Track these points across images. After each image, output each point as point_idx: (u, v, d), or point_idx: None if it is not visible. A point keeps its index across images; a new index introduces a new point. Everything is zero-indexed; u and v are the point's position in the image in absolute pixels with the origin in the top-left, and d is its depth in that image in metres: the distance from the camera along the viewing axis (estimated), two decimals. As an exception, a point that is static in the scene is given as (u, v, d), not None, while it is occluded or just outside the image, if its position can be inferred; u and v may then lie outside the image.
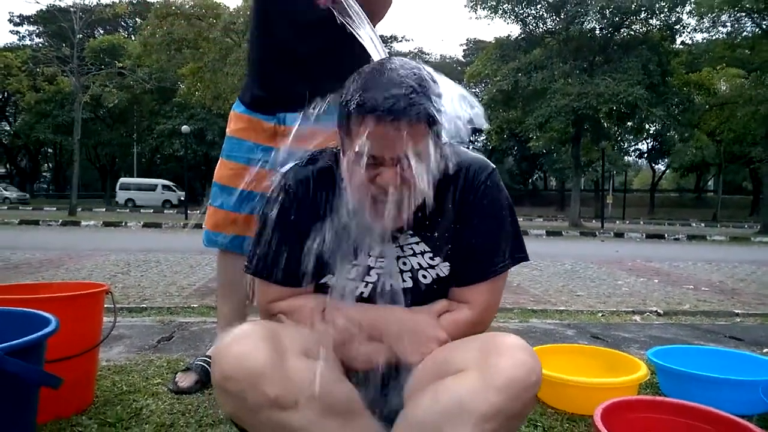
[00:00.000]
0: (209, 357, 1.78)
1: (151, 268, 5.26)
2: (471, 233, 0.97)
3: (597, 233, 15.67)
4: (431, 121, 0.84)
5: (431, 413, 0.82)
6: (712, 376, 1.60)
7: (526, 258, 1.03)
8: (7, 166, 39.15)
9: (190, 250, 6.90)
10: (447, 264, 0.99)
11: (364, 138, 0.83)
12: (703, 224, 24.77)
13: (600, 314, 3.46)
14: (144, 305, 3.29)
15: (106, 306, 1.63)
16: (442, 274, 1.00)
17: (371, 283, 0.99)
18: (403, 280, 0.99)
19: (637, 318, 3.39)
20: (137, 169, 30.64)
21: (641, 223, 25.27)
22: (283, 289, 1.00)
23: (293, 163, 1.01)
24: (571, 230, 16.41)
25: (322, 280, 1.00)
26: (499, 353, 0.82)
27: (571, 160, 21.20)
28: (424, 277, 1.00)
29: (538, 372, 0.82)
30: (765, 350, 2.52)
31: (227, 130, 1.69)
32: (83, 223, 13.77)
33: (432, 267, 0.99)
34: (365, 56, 1.12)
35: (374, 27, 1.31)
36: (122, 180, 29.53)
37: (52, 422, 1.39)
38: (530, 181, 45.06)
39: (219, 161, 1.69)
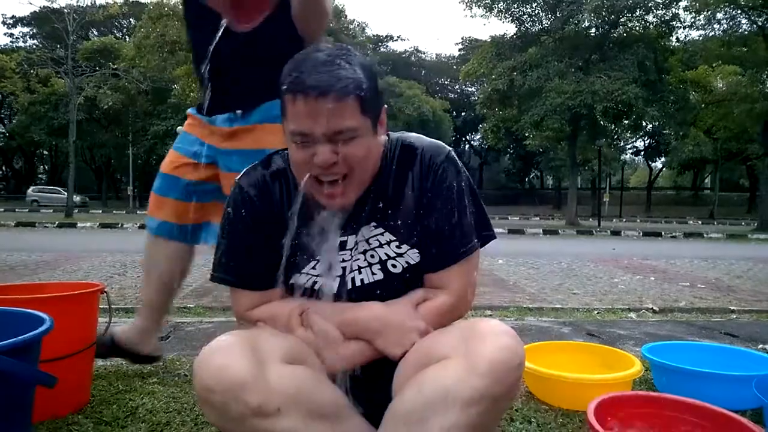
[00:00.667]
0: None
1: (148, 269, 5.25)
2: (435, 218, 0.97)
3: (594, 231, 15.71)
4: (360, 95, 0.85)
5: (416, 403, 0.82)
6: (706, 372, 1.61)
7: (493, 236, 1.04)
8: (3, 168, 39.04)
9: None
10: (416, 251, 0.99)
11: (293, 117, 0.85)
12: (700, 222, 24.87)
13: (596, 312, 3.47)
14: (140, 306, 3.28)
15: (102, 307, 1.63)
16: (412, 262, 0.99)
17: (338, 276, 0.99)
18: (373, 273, 0.99)
19: (633, 315, 3.41)
20: (133, 170, 30.55)
21: (638, 221, 25.36)
22: (253, 294, 1.00)
23: (247, 168, 1.02)
24: (567, 229, 16.44)
25: (291, 280, 1.00)
26: (481, 338, 0.83)
27: (567, 159, 21.25)
28: (394, 266, 0.99)
29: (521, 354, 0.83)
30: (760, 346, 2.54)
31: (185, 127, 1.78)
32: (79, 224, 13.73)
33: (400, 255, 0.99)
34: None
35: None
36: None
37: (48, 421, 1.39)
38: (527, 179, 45.13)
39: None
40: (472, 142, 44.52)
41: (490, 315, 3.24)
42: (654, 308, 3.62)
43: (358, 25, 34.37)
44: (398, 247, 0.99)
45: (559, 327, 2.90)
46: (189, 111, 1.73)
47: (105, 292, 1.60)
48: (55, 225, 13.47)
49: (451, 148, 1.01)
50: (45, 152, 37.00)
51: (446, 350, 0.86)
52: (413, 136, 1.01)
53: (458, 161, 1.00)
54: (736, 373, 1.62)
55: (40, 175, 43.20)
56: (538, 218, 24.83)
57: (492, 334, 0.83)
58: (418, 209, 0.98)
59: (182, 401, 1.56)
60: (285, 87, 0.85)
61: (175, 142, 1.73)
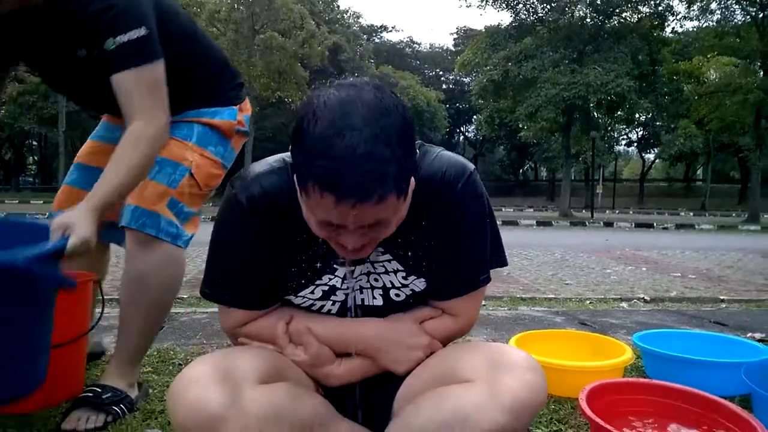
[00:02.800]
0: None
1: (141, 259, 5.22)
2: (449, 250, 0.91)
3: (587, 223, 15.80)
4: (401, 184, 0.74)
5: (432, 419, 0.81)
6: (695, 359, 1.63)
7: (504, 263, 1.00)
8: (-8, 158, 38.62)
9: (180, 241, 6.86)
10: (422, 279, 0.94)
11: (322, 209, 0.73)
12: (691, 213, 25.07)
13: (588, 302, 3.50)
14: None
15: (97, 299, 1.62)
16: (417, 289, 0.95)
17: (338, 302, 0.95)
18: (374, 297, 0.95)
19: (625, 305, 3.44)
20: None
21: (631, 212, 25.52)
22: (245, 313, 0.96)
23: (242, 178, 0.90)
24: (561, 220, 16.52)
25: (286, 297, 0.96)
26: (509, 370, 0.81)
27: (561, 150, 21.30)
28: (397, 296, 0.95)
29: (544, 393, 0.82)
30: (748, 334, 2.57)
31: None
32: (71, 215, 13.62)
33: (405, 286, 0.94)
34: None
35: None
36: None
37: (41, 410, 1.39)
38: (521, 171, 45.22)
39: None
40: (466, 133, 44.52)
41: (484, 305, 3.26)
42: (645, 298, 3.66)
43: (351, 15, 34.13)
44: (405, 278, 0.94)
45: (552, 316, 2.92)
46: None
47: (97, 282, 1.59)
48: (46, 216, 13.34)
49: (473, 168, 0.90)
50: (34, 143, 36.59)
51: (468, 372, 0.84)
52: (433, 155, 0.89)
53: (478, 184, 0.90)
54: (726, 360, 1.64)
55: (29, 166, 42.76)
56: (531, 210, 24.90)
57: (520, 369, 0.81)
58: (430, 240, 0.91)
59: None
60: (312, 176, 0.71)
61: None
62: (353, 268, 0.92)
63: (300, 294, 0.95)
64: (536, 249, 7.23)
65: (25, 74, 21.70)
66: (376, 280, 0.94)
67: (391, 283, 0.94)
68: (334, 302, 0.95)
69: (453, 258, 0.92)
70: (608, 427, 1.03)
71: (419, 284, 0.95)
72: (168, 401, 0.81)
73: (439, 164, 0.88)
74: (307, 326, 0.94)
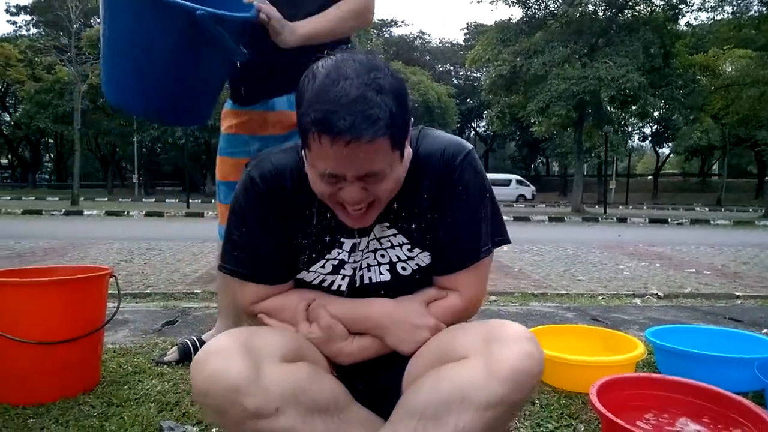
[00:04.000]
0: (195, 338, 1.85)
1: (154, 256, 5.30)
2: (451, 221, 0.95)
3: (600, 218, 15.66)
4: (393, 132, 0.79)
5: (432, 399, 0.82)
6: (708, 354, 1.62)
7: (506, 240, 1.02)
8: (9, 156, 39.21)
9: (193, 238, 6.94)
10: (427, 254, 0.98)
11: (321, 156, 0.80)
12: (707, 209, 24.69)
13: (600, 297, 3.48)
14: (148, 291, 3.33)
15: (110, 292, 1.65)
16: (422, 264, 0.98)
17: (347, 276, 0.98)
18: (381, 273, 0.98)
19: (637, 301, 3.41)
20: (138, 159, 30.60)
21: (644, 208, 25.20)
22: (261, 288, 0.98)
23: (258, 158, 0.98)
24: (573, 216, 16.38)
25: (299, 276, 1.00)
26: (503, 342, 0.81)
27: (573, 145, 21.09)
28: (404, 269, 0.98)
29: (541, 362, 0.82)
30: (764, 331, 2.54)
31: (222, 128, 1.69)
32: (86, 212, 13.82)
33: (411, 258, 0.98)
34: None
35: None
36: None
37: (60, 401, 1.43)
38: (532, 166, 44.87)
39: (219, 160, 1.70)
40: (477, 129, 44.24)
41: (495, 301, 3.25)
42: (659, 294, 3.62)
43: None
44: (410, 250, 0.97)
45: (564, 312, 2.91)
46: (226, 107, 1.67)
47: (114, 276, 1.62)
48: (61, 213, 13.56)
49: (472, 147, 0.98)
50: (50, 141, 37.10)
51: (465, 349, 0.85)
52: (432, 135, 0.97)
53: (477, 161, 0.96)
54: (738, 356, 1.62)
55: (45, 164, 43.39)
56: (543, 205, 24.73)
57: (514, 339, 0.82)
58: (433, 213, 0.96)
59: (190, 383, 1.59)
60: (310, 122, 0.78)
61: (223, 147, 1.67)
62: (359, 240, 0.96)
63: (311, 269, 0.98)
64: (548, 245, 7.19)
65: (42, 72, 21.99)
66: (382, 256, 0.98)
67: (397, 257, 0.98)
68: (343, 276, 0.98)
69: (454, 228, 0.95)
70: (619, 421, 1.02)
71: (424, 258, 0.98)
72: (191, 371, 0.82)
73: (439, 143, 0.95)
74: (319, 302, 0.97)
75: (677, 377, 1.33)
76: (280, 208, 0.95)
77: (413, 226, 0.96)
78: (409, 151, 0.90)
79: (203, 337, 1.86)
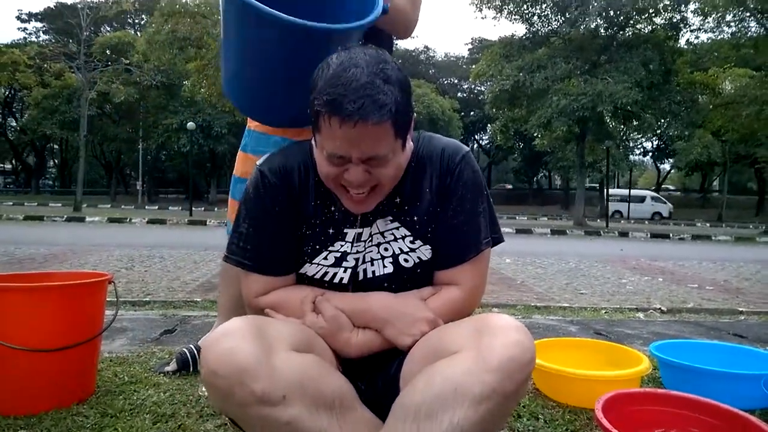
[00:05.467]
0: (193, 347, 1.83)
1: (155, 263, 5.28)
2: (451, 215, 1.00)
3: (602, 232, 15.63)
4: (397, 119, 0.85)
5: (426, 397, 0.81)
6: (714, 370, 1.59)
7: (501, 239, 1.06)
8: (13, 162, 39.38)
9: (194, 245, 6.92)
10: (428, 247, 1.01)
11: (330, 137, 0.85)
12: (708, 224, 24.62)
13: (603, 311, 3.45)
14: (147, 299, 3.30)
15: (108, 300, 1.63)
16: (424, 258, 1.01)
17: (349, 268, 1.01)
18: (385, 266, 1.01)
19: (641, 315, 3.38)
20: (142, 165, 30.71)
21: (646, 222, 25.14)
22: (267, 280, 1.01)
23: (269, 154, 1.04)
24: (575, 229, 16.34)
25: (302, 270, 1.02)
26: (492, 333, 0.82)
27: (575, 159, 21.12)
28: (406, 261, 1.01)
29: (532, 351, 0.83)
30: (769, 347, 2.51)
31: (250, 125, 1.60)
32: (88, 219, 13.83)
33: (413, 250, 1.01)
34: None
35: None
36: (611, 191, 25.83)
37: (53, 411, 1.40)
38: (535, 179, 44.89)
39: (241, 156, 1.61)
40: (480, 142, 44.36)
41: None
42: (662, 308, 3.59)
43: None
44: (412, 242, 1.01)
45: (567, 325, 2.88)
46: None
47: (112, 282, 1.60)
48: (63, 219, 13.57)
49: (468, 149, 1.04)
50: (55, 146, 37.27)
51: (456, 344, 0.85)
52: (433, 137, 1.04)
53: (474, 161, 1.03)
54: (745, 372, 1.60)
55: (49, 169, 43.55)
56: (546, 218, 24.69)
57: (503, 329, 0.83)
58: (434, 206, 1.00)
59: (187, 393, 1.57)
60: (321, 104, 0.84)
61: (249, 144, 1.58)
62: (361, 230, 0.99)
63: (314, 261, 1.01)
64: (550, 258, 7.16)
65: (50, 78, 22.14)
66: (386, 249, 1.01)
67: (400, 249, 1.01)
68: (345, 269, 1.01)
69: (455, 222, 1.00)
70: (625, 438, 1.00)
71: (426, 252, 1.01)
72: (202, 350, 0.82)
73: (438, 143, 1.03)
74: (323, 297, 0.99)
75: (684, 393, 1.30)
76: (288, 201, 0.99)
77: (415, 218, 1.01)
78: (410, 145, 0.96)
79: (200, 342, 1.84)
